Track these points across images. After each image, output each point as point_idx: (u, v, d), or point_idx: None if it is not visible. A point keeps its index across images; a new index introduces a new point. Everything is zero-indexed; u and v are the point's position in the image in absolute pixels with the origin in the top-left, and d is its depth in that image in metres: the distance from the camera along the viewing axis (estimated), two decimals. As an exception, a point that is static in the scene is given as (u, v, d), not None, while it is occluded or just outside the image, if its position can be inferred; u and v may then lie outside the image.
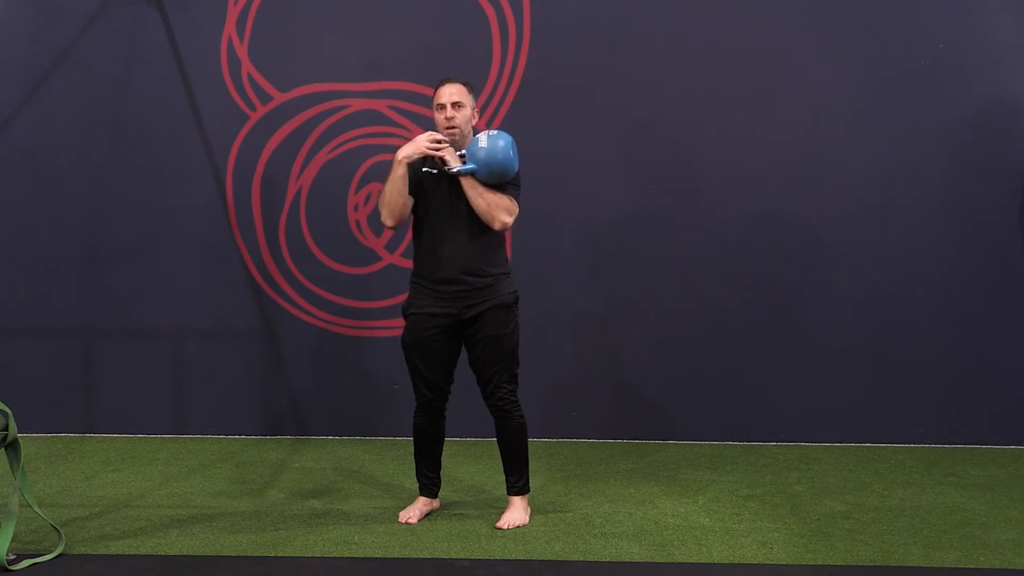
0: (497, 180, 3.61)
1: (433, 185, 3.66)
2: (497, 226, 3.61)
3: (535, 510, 3.83)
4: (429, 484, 3.85)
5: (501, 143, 3.58)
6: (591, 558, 3.37)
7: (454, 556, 3.38)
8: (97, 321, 5.08)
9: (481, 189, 3.59)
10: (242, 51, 5.01)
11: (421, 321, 3.67)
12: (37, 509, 3.37)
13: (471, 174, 3.60)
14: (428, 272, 3.67)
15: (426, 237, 3.68)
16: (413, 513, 3.78)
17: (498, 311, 3.64)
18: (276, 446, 4.91)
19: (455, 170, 3.60)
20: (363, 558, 3.36)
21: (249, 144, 5.04)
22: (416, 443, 3.84)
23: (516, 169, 3.63)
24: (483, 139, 3.60)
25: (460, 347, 3.74)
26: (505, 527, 3.65)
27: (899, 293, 4.99)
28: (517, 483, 3.76)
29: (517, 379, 3.73)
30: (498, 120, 4.96)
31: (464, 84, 3.72)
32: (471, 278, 3.62)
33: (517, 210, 3.66)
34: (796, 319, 5.00)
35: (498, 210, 3.59)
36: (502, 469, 3.82)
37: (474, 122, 3.75)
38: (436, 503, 3.89)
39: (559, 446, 4.91)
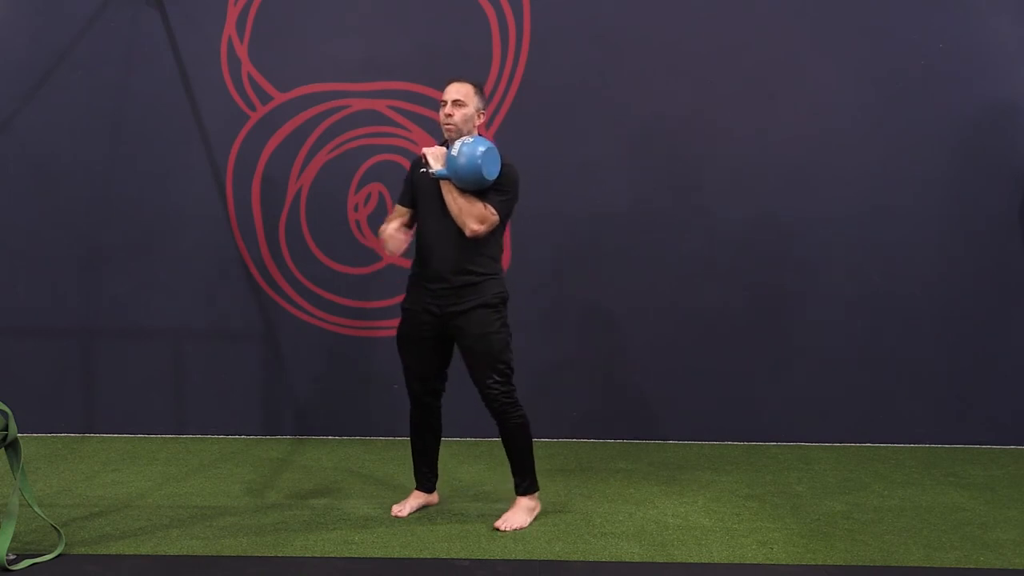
0: (469, 186, 3.59)
1: (426, 185, 3.71)
2: (467, 232, 3.59)
3: (535, 510, 3.83)
4: (422, 478, 3.88)
5: (467, 150, 3.55)
6: (591, 558, 3.36)
7: (454, 556, 3.38)
8: (97, 321, 5.08)
9: (456, 194, 3.60)
10: (242, 51, 5.01)
11: (411, 316, 3.74)
12: (37, 509, 3.36)
13: (447, 178, 3.62)
14: (419, 268, 3.74)
15: (420, 235, 3.75)
16: (404, 507, 3.80)
17: (481, 311, 3.64)
18: (276, 446, 4.91)
19: (432, 172, 3.66)
20: (363, 558, 3.36)
21: (249, 144, 5.04)
22: (410, 436, 3.88)
23: (489, 177, 3.56)
24: (456, 145, 3.60)
25: (450, 347, 3.77)
26: (502, 527, 3.64)
27: (899, 293, 4.99)
28: (522, 484, 3.75)
29: (510, 379, 3.70)
30: (498, 120, 4.95)
31: (473, 84, 3.73)
32: (454, 277, 3.64)
33: (494, 218, 3.60)
34: (796, 319, 5.00)
35: (468, 217, 3.58)
36: (507, 469, 3.81)
37: (478, 122, 3.73)
38: (434, 498, 3.91)
39: (559, 446, 4.91)
